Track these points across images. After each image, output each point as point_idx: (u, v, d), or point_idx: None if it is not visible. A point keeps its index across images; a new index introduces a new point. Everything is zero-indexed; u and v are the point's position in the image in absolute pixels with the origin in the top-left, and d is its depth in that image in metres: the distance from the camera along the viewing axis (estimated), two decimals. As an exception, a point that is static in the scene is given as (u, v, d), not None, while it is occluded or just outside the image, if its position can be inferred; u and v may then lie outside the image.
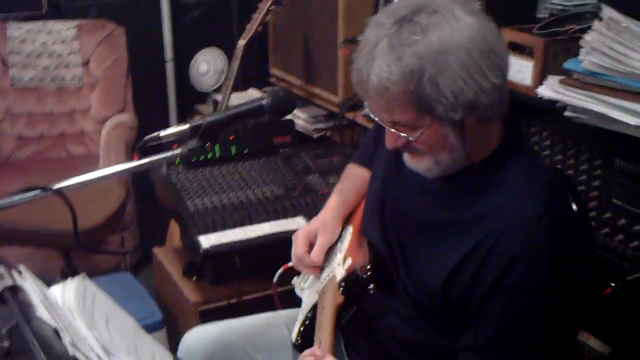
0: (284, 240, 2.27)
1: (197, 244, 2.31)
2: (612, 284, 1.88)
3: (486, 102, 1.41)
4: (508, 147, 1.54)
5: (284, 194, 2.58)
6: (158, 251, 2.85)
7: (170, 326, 2.66)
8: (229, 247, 2.31)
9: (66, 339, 1.02)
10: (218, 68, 4.32)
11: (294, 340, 1.79)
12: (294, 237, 1.86)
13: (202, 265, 2.45)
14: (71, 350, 1.01)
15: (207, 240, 2.31)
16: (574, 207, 1.70)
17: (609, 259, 1.96)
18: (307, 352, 1.61)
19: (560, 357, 1.62)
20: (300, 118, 3.27)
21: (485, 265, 1.47)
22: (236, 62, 3.06)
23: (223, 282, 2.49)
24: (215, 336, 1.85)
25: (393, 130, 1.48)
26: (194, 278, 2.57)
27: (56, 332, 1.06)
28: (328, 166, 2.78)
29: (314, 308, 1.79)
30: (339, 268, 1.79)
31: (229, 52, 4.36)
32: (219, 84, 4.31)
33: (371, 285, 1.68)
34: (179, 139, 1.52)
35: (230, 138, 2.70)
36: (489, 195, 1.51)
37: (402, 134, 1.48)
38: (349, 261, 1.77)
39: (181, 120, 4.43)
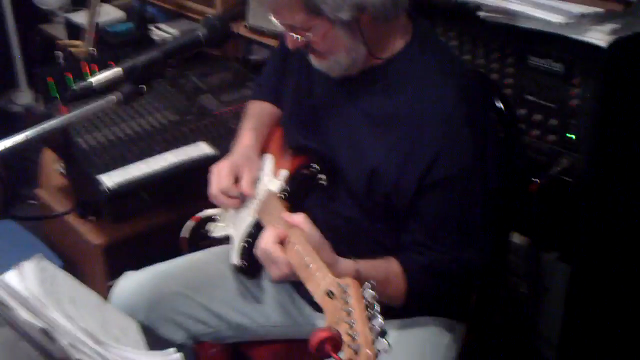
0: (190, 168, 2.21)
1: (98, 184, 2.13)
2: (537, 180, 1.92)
3: (374, 1, 1.43)
4: (417, 44, 1.56)
5: (179, 119, 2.42)
6: (42, 193, 2.63)
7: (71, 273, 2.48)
8: (134, 184, 2.15)
9: (63, 341, 0.90)
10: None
11: (237, 262, 1.69)
12: (215, 171, 1.76)
13: (104, 205, 2.27)
14: (72, 353, 0.89)
15: (109, 179, 2.14)
16: (500, 104, 1.73)
17: (526, 154, 1.99)
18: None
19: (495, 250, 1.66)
20: (171, 34, 3.06)
21: (407, 163, 1.50)
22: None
23: (126, 219, 2.34)
24: (152, 285, 1.74)
25: (290, 33, 1.50)
26: (92, 218, 2.40)
27: (44, 332, 0.93)
28: (218, 83, 2.64)
29: (253, 227, 1.69)
30: (273, 183, 1.73)
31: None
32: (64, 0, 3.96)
33: (322, 176, 1.64)
34: (112, 84, 1.35)
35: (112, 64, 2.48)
36: (402, 93, 1.53)
37: (296, 36, 1.49)
38: (284, 172, 1.73)
39: (24, 49, 4.03)
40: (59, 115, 1.43)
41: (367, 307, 1.13)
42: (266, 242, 1.40)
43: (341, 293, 1.18)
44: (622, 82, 1.82)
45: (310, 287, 1.30)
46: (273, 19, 1.52)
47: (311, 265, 1.32)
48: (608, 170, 1.91)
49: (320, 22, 1.45)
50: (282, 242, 1.40)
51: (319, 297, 1.25)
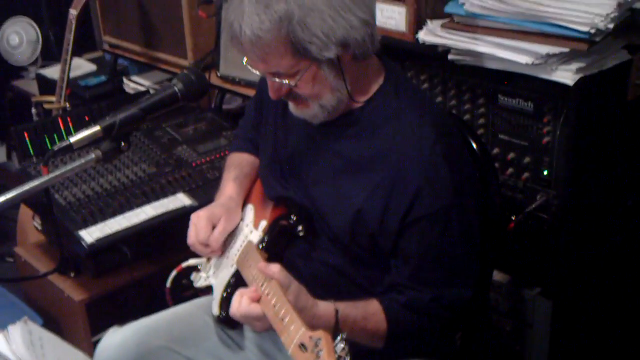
0: (170, 220, 2.22)
1: (78, 240, 2.13)
2: (513, 218, 1.95)
3: (357, 37, 1.47)
4: (391, 86, 1.60)
5: (156, 171, 2.43)
6: (21, 250, 2.62)
7: (51, 330, 2.46)
8: (114, 238, 2.16)
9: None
10: (31, 38, 3.99)
11: (216, 313, 1.69)
12: (193, 220, 1.77)
13: (84, 260, 2.26)
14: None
15: (89, 235, 2.14)
16: (474, 144, 1.77)
17: (502, 192, 2.02)
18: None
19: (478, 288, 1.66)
20: (144, 86, 3.09)
21: (390, 203, 1.52)
22: (70, 35, 2.80)
23: (107, 274, 2.33)
24: (137, 340, 1.72)
25: (275, 80, 1.52)
26: (72, 274, 2.39)
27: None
28: (193, 134, 2.66)
29: (233, 277, 1.71)
30: (253, 234, 1.74)
31: (39, 19, 4.05)
32: (35, 56, 4.00)
33: (300, 227, 1.65)
34: (91, 142, 1.36)
35: (86, 119, 2.49)
36: (380, 135, 1.57)
37: (283, 82, 1.50)
38: (263, 223, 1.74)
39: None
40: (39, 176, 1.43)
41: None
42: (238, 308, 1.43)
43: (313, 346, 1.20)
44: (590, 119, 1.86)
45: (283, 339, 1.32)
46: (254, 69, 1.53)
47: (285, 318, 1.33)
48: (582, 204, 1.94)
49: (306, 65, 1.47)
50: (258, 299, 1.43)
51: (291, 350, 1.27)
